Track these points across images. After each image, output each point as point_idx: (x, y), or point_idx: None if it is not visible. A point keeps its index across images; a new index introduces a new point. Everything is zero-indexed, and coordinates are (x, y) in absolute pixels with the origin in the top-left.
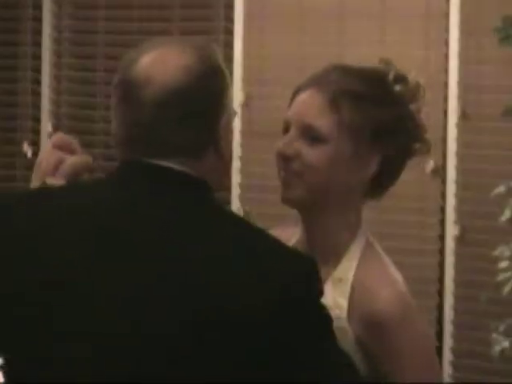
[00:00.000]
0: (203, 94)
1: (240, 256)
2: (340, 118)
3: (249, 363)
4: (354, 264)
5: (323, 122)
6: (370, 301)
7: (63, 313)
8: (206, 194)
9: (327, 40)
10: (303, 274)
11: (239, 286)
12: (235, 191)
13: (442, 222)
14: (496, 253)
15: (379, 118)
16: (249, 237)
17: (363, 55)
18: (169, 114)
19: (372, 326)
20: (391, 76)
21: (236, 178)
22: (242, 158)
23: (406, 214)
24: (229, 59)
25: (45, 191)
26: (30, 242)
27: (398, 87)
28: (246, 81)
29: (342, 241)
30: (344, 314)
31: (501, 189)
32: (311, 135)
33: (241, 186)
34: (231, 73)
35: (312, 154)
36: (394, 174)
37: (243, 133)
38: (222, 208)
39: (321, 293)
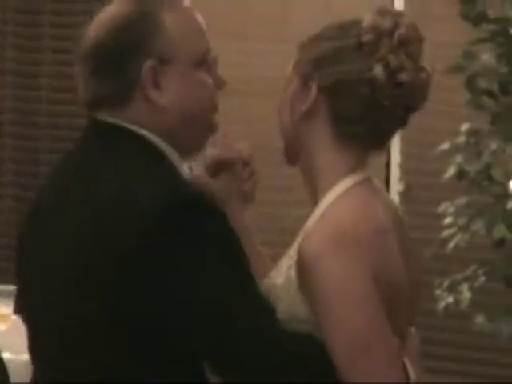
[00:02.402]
0: (117, 41)
1: (113, 194)
2: (295, 62)
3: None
4: (321, 211)
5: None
6: (302, 242)
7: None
8: (121, 140)
9: (273, 0)
10: (161, 205)
11: (108, 222)
12: None
13: (387, 179)
14: (440, 209)
15: (319, 50)
16: (130, 172)
17: (309, 15)
18: (90, 66)
19: (301, 267)
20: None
21: None
22: None
23: None
24: None
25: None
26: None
27: (355, 25)
28: None
29: (321, 189)
30: (293, 261)
31: (445, 146)
32: None
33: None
34: None
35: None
36: (356, 111)
37: None
38: (129, 151)
39: (200, 225)
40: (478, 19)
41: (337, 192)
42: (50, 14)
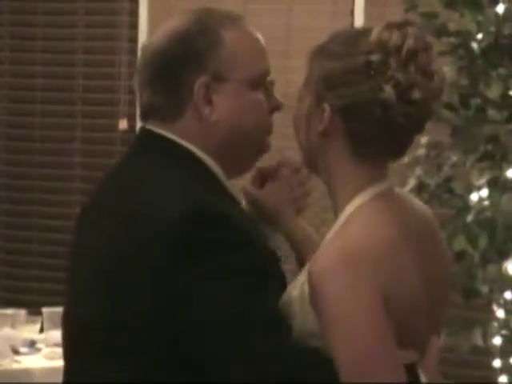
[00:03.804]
0: (174, 54)
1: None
2: (306, 76)
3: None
4: (336, 228)
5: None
6: (312, 261)
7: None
8: (166, 151)
9: (232, 8)
10: (173, 219)
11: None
12: None
13: None
14: None
15: (331, 68)
16: (155, 187)
17: (269, 25)
18: (145, 76)
19: (310, 286)
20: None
21: None
22: None
23: None
24: (134, 26)
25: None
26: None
27: (362, 41)
28: None
29: (340, 203)
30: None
31: (405, 158)
32: None
33: None
34: (136, 40)
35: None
36: (370, 131)
37: None
38: (171, 163)
39: (210, 240)
40: (438, 32)
41: (353, 206)
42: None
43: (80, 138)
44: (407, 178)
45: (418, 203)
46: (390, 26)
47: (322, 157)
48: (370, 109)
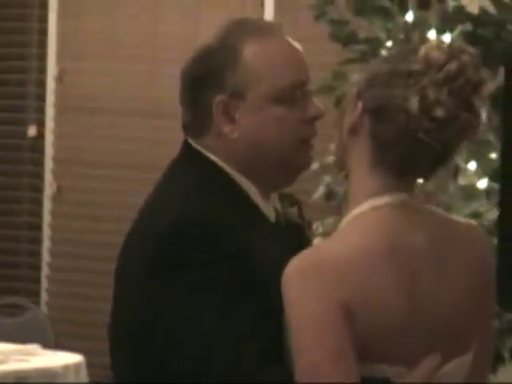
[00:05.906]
0: (194, 73)
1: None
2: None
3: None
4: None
5: None
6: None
7: None
8: (196, 166)
9: (141, 17)
10: (155, 235)
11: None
12: (48, 166)
13: None
14: (311, 229)
15: (377, 69)
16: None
17: (179, 32)
18: (179, 91)
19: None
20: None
21: (49, 152)
22: (55, 132)
23: None
24: (43, 33)
25: None
26: None
27: (413, 53)
28: (61, 55)
29: (349, 209)
30: None
31: (315, 165)
32: None
33: (54, 159)
34: (45, 46)
35: None
36: (390, 137)
37: (57, 107)
38: (185, 180)
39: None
40: (348, 40)
41: (351, 216)
42: None
43: None
44: (317, 185)
45: (446, 220)
46: (444, 47)
47: (348, 157)
48: (397, 115)
